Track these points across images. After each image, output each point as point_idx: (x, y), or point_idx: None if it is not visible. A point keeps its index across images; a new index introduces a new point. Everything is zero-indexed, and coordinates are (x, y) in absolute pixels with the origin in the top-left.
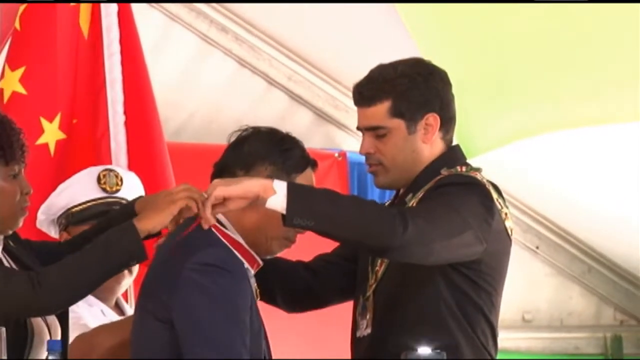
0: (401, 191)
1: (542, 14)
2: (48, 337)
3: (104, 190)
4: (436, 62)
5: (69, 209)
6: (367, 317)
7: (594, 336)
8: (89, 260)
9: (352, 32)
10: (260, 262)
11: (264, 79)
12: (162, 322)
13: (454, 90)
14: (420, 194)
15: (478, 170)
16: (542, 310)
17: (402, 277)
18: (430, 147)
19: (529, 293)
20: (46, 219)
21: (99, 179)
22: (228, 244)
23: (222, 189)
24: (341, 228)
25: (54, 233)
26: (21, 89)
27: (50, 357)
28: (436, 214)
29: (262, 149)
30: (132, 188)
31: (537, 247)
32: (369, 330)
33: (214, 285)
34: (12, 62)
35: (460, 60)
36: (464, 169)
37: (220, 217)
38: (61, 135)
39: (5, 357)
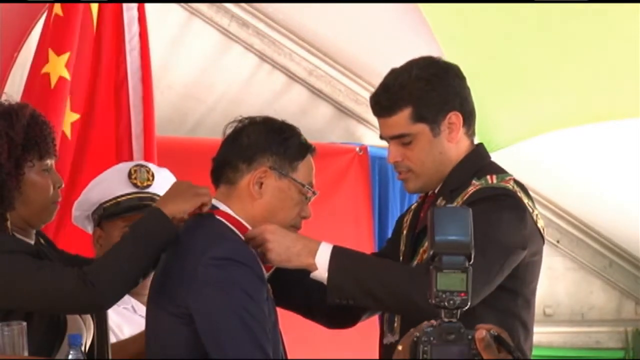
0: (429, 193)
1: (560, 12)
2: (84, 333)
3: (135, 185)
4: (457, 56)
5: (101, 204)
6: (395, 324)
7: (615, 330)
8: (130, 253)
9: (372, 26)
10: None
11: (285, 73)
12: (179, 317)
13: (475, 85)
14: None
15: (509, 177)
16: (563, 304)
17: None
18: (456, 145)
19: (550, 287)
20: (81, 215)
21: (130, 174)
22: (243, 237)
23: (273, 248)
24: (381, 304)
25: (89, 229)
26: (66, 74)
27: (71, 351)
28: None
29: (262, 140)
30: (163, 184)
31: (558, 241)
32: (397, 337)
33: (231, 279)
34: (58, 46)
35: (480, 56)
36: (494, 178)
37: (227, 209)
38: (75, 117)
39: (26, 353)
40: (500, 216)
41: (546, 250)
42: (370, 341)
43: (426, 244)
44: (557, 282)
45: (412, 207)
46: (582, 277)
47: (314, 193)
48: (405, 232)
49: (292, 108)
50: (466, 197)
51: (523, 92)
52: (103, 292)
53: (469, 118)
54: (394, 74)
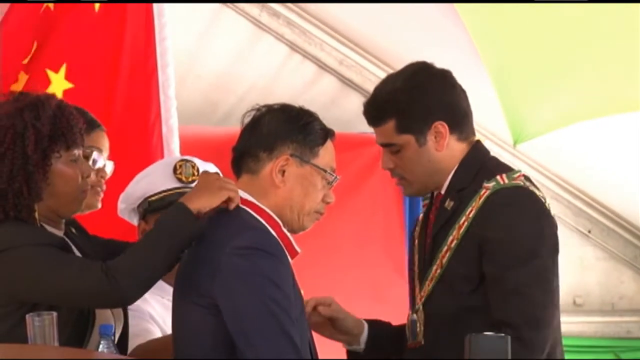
0: (436, 194)
1: (588, 9)
2: (113, 324)
3: (180, 180)
4: (489, 50)
5: (146, 198)
6: (419, 329)
7: None
8: (154, 248)
9: (403, 16)
10: (298, 250)
11: (315, 63)
12: (205, 308)
13: (505, 78)
14: (469, 211)
15: (518, 174)
16: (593, 294)
17: (452, 288)
18: (447, 152)
19: (581, 277)
20: (126, 208)
21: (175, 169)
22: (267, 225)
23: None
24: None
25: (135, 221)
26: (68, 84)
27: (102, 342)
28: (525, 293)
29: (281, 128)
30: None
31: (589, 231)
32: (421, 341)
33: (255, 268)
34: (53, 64)
35: (511, 50)
36: (505, 178)
37: (251, 198)
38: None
39: (57, 344)
40: (524, 224)
41: (577, 240)
42: None
43: (445, 249)
44: (587, 271)
45: (420, 217)
46: (612, 267)
47: (336, 178)
48: (417, 242)
49: (322, 98)
50: (481, 200)
51: (553, 84)
52: (125, 287)
53: (458, 125)
54: (382, 83)
